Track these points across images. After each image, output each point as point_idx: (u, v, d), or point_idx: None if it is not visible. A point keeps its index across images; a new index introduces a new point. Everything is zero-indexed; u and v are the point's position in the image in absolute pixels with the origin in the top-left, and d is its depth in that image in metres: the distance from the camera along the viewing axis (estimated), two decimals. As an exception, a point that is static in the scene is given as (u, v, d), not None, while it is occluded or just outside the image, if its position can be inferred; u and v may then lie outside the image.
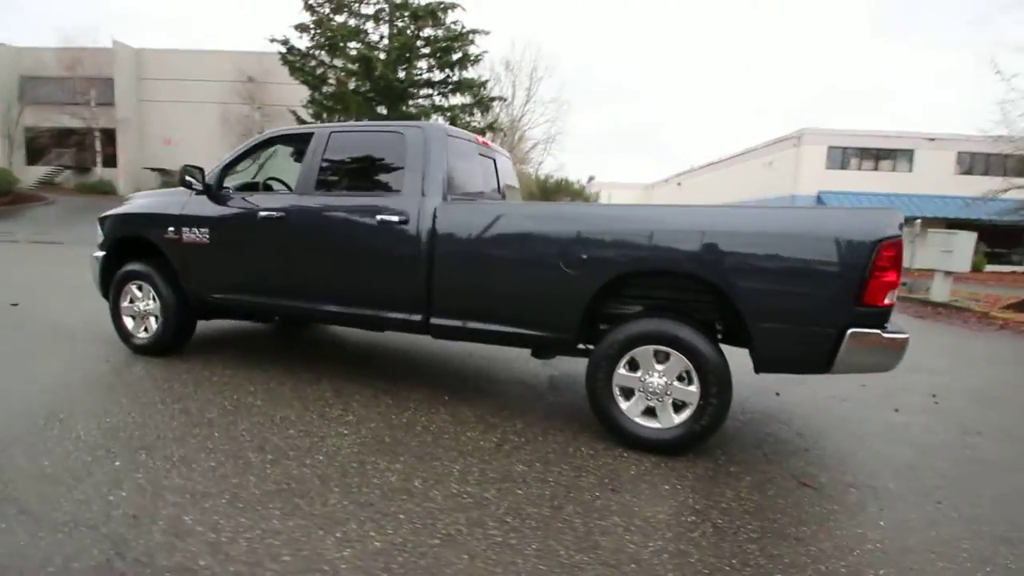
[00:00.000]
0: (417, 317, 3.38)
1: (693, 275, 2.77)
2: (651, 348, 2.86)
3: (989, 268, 24.61)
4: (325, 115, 18.46)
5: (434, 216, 3.25)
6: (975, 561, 2.13)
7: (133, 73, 29.91)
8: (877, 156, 26.70)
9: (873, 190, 25.54)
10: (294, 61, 18.84)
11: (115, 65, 28.63)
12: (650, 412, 2.92)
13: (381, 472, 2.56)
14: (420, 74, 20.32)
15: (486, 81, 21.58)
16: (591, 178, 54.72)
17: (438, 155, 3.38)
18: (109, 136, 29.00)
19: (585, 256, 2.91)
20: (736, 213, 2.80)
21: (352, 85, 17.83)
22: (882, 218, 2.54)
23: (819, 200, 26.09)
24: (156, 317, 4.13)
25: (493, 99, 20.90)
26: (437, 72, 20.37)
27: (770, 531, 2.26)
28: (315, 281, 3.60)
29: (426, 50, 19.88)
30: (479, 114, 20.78)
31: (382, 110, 19.62)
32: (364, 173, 3.67)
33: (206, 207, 3.89)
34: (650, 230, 2.82)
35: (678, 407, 2.87)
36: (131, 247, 4.30)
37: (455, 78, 20.38)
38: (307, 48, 18.75)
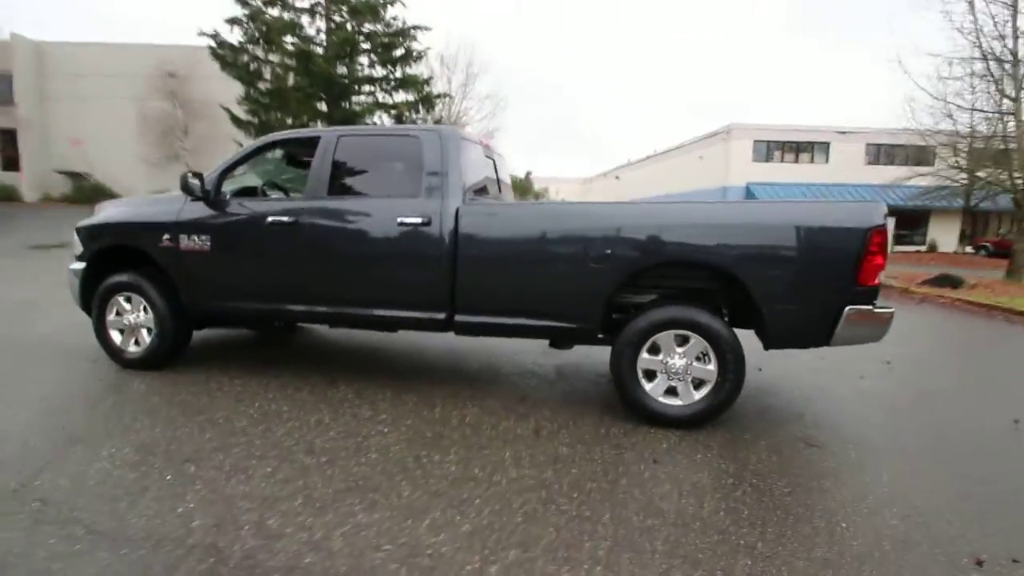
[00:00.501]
0: (440, 315, 3.47)
1: (711, 265, 3.04)
2: (672, 333, 3.12)
3: (897, 249, 27.23)
4: (262, 113, 17.69)
5: (457, 217, 3.35)
6: (959, 498, 2.54)
7: (34, 69, 27.22)
8: (797, 149, 28.87)
9: (795, 180, 27.60)
10: (225, 56, 17.90)
11: (13, 60, 25.95)
12: (671, 391, 3.18)
13: (439, 464, 2.66)
14: (361, 70, 19.87)
15: (430, 78, 21.39)
16: (528, 173, 55.36)
17: (455, 158, 3.48)
18: (9, 137, 26.30)
19: (609, 251, 3.12)
20: (747, 208, 3.11)
21: (291, 81, 17.19)
22: (871, 209, 2.92)
23: (748, 191, 27.88)
24: (149, 329, 3.96)
25: (438, 96, 20.76)
26: (379, 68, 20.00)
27: (798, 485, 2.57)
28: (332, 284, 3.59)
29: (367, 45, 19.47)
30: (424, 111, 20.61)
31: (323, 108, 19.05)
32: (378, 177, 3.70)
33: (205, 213, 3.77)
34: (671, 225, 3.07)
35: (697, 385, 3.15)
36: (114, 258, 4.09)
37: (398, 75, 20.09)
38: (239, 42, 17.87)
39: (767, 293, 2.98)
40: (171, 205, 3.87)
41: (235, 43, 17.83)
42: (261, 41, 17.40)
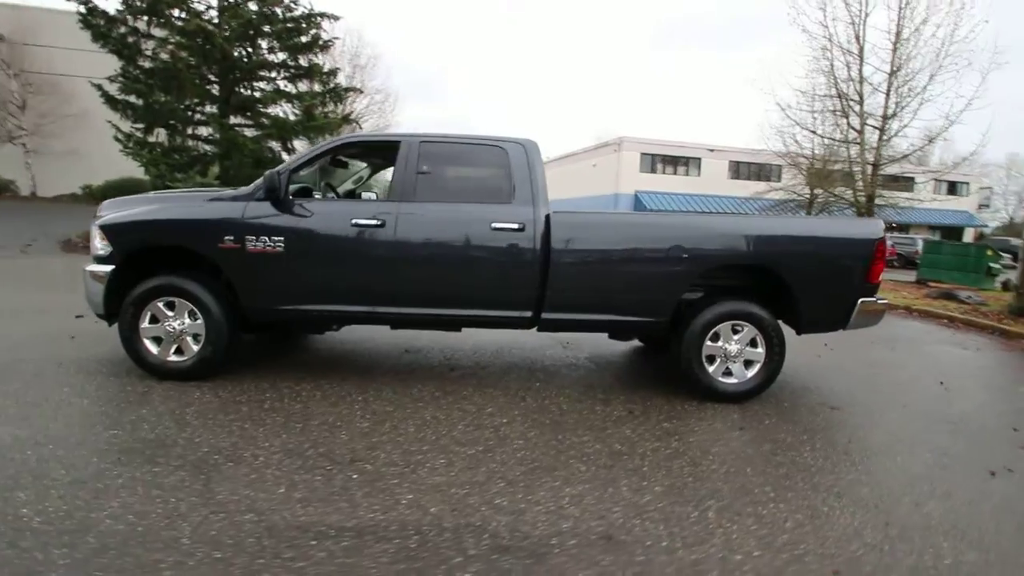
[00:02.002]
0: (528, 313, 3.78)
1: (762, 267, 3.74)
2: (730, 323, 3.77)
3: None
4: (147, 94, 15.69)
5: (548, 224, 3.68)
6: (950, 438, 3.52)
7: None
8: (675, 162, 32.39)
9: (675, 191, 30.94)
10: (99, 26, 15.56)
11: None
12: (727, 372, 3.84)
13: (582, 444, 3.01)
14: (263, 54, 18.48)
15: (337, 69, 20.55)
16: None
17: (540, 169, 3.80)
18: None
19: (686, 255, 3.68)
20: (790, 222, 3.87)
21: (185, 62, 15.45)
22: (875, 224, 3.84)
23: (637, 199, 30.68)
24: (195, 336, 3.70)
25: (348, 89, 19.99)
26: (281, 55, 18.75)
27: (849, 436, 3.35)
28: (422, 286, 3.71)
29: (267, 28, 18.15)
30: (333, 104, 19.75)
31: (217, 92, 17.41)
32: (465, 183, 3.87)
33: (275, 214, 3.64)
34: (735, 234, 3.72)
35: (748, 365, 3.84)
36: (146, 259, 3.75)
37: (304, 63, 19.01)
38: (118, 11, 15.65)
39: (804, 288, 3.74)
40: (233, 204, 3.67)
41: (113, 13, 15.57)
42: (145, 12, 15.41)
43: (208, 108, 17.27)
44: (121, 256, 3.66)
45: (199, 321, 3.68)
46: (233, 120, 17.15)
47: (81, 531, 2.00)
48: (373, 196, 4.66)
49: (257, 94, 18.33)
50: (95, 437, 2.79)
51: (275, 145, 18.25)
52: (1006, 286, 12.79)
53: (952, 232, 34.47)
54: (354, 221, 3.65)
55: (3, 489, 2.24)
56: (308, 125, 17.58)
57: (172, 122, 16.42)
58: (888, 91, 14.27)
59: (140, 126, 15.96)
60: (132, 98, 16.28)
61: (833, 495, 2.58)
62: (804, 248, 3.76)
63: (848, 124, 14.62)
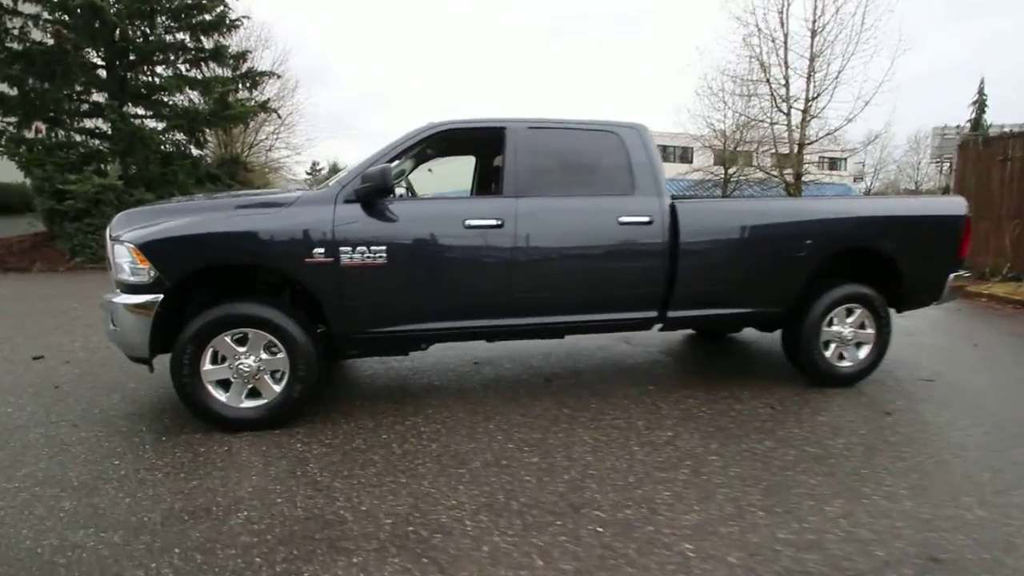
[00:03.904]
0: (652, 313, 3.48)
1: (874, 249, 3.73)
2: (844, 307, 3.73)
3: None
4: (24, 81, 13.14)
5: (674, 214, 3.39)
6: (1004, 409, 3.74)
7: None
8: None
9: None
10: (-55, -3, 12.71)
11: None
12: (840, 356, 3.81)
13: (776, 451, 2.80)
14: (161, 35, 16.22)
15: (248, 51, 18.61)
16: (315, 165, 51.87)
17: (656, 155, 3.49)
18: None
19: (810, 241, 3.56)
20: (896, 203, 3.89)
21: (71, 42, 13.06)
22: (961, 202, 3.96)
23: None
24: (276, 373, 3.01)
25: (263, 74, 18.12)
26: (181, 35, 16.56)
27: (936, 401, 3.45)
28: (543, 293, 3.27)
29: (165, 3, 15.92)
30: (245, 91, 17.83)
31: (104, 76, 15.07)
32: (583, 174, 3.44)
33: (372, 219, 3.02)
34: (852, 218, 3.66)
35: (859, 346, 3.83)
36: (195, 283, 2.98)
37: (209, 45, 16.93)
38: (-31, -20, 12.84)
39: (910, 267, 3.78)
40: (316, 209, 2.98)
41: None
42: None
43: (96, 96, 14.87)
44: (174, 281, 2.85)
45: (280, 355, 2.98)
46: (132, 111, 14.91)
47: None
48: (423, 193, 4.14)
49: (157, 80, 16.10)
50: (227, 528, 2.12)
51: (182, 137, 16.20)
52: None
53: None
54: (468, 222, 3.12)
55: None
56: (223, 114, 15.74)
57: (53, 114, 13.94)
58: (809, 75, 15.44)
59: (13, 119, 13.38)
60: (3, 87, 13.60)
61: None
62: (910, 227, 3.79)
63: (775, 106, 15.66)
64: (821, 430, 3.07)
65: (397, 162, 3.23)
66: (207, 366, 2.93)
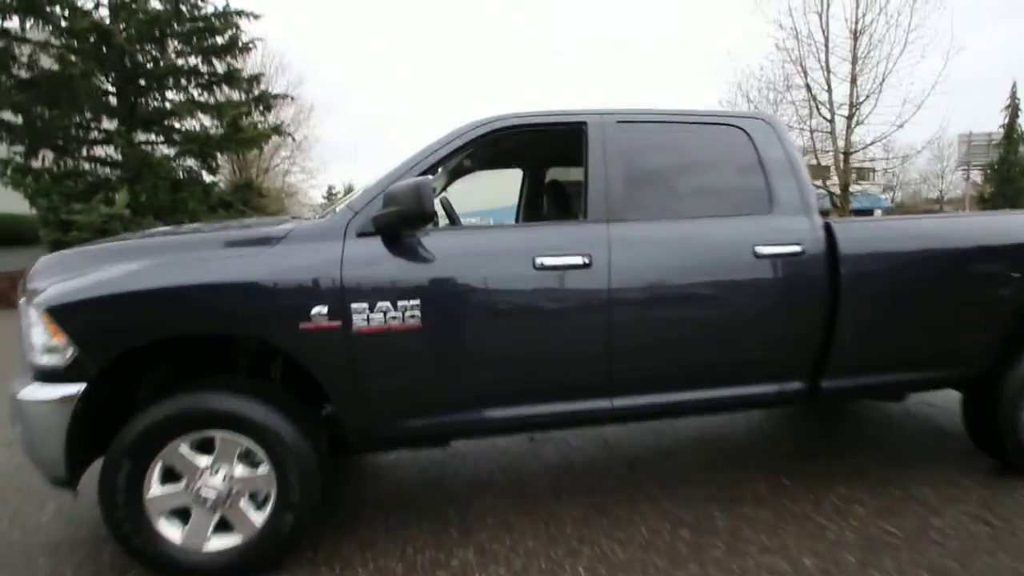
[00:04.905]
0: (797, 384, 2.41)
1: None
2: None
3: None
4: (29, 109, 12.67)
5: (831, 240, 2.33)
6: None
7: None
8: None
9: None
10: (-49, 26, 12.36)
11: None
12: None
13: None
14: (172, 59, 15.77)
15: (261, 74, 18.16)
16: (331, 189, 52.03)
17: (799, 157, 2.45)
18: None
19: (1017, 273, 2.47)
20: None
21: (79, 68, 12.59)
22: None
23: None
24: (257, 496, 2.00)
25: (276, 96, 17.59)
26: (193, 59, 16.08)
27: None
28: (653, 359, 2.24)
29: (176, 26, 15.48)
30: (258, 114, 17.28)
31: (115, 102, 14.61)
32: (696, 186, 2.42)
33: (401, 260, 2.02)
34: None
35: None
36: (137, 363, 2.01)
37: (221, 69, 16.43)
38: (-24, 8, 12.49)
39: None
40: (318, 247, 2.00)
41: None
42: (19, 9, 12.41)
43: (106, 123, 14.43)
44: (101, 364, 1.87)
45: (263, 470, 1.97)
46: (141, 137, 14.42)
47: None
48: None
49: (168, 105, 15.63)
50: None
51: (193, 163, 15.65)
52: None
53: (864, 214, 37.10)
54: (540, 260, 2.10)
55: None
56: (235, 138, 15.17)
57: (61, 142, 13.48)
58: (853, 79, 14.35)
59: (20, 148, 12.90)
60: (8, 115, 13.18)
61: None
62: None
63: (815, 112, 14.56)
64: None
65: (432, 177, 2.23)
66: (154, 489, 1.93)
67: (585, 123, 2.30)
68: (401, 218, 1.94)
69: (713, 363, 2.31)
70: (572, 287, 2.13)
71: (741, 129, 2.41)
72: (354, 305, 1.95)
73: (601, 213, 2.21)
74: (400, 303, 1.98)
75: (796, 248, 2.28)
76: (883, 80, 14.01)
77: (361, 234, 2.04)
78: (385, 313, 1.97)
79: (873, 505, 2.45)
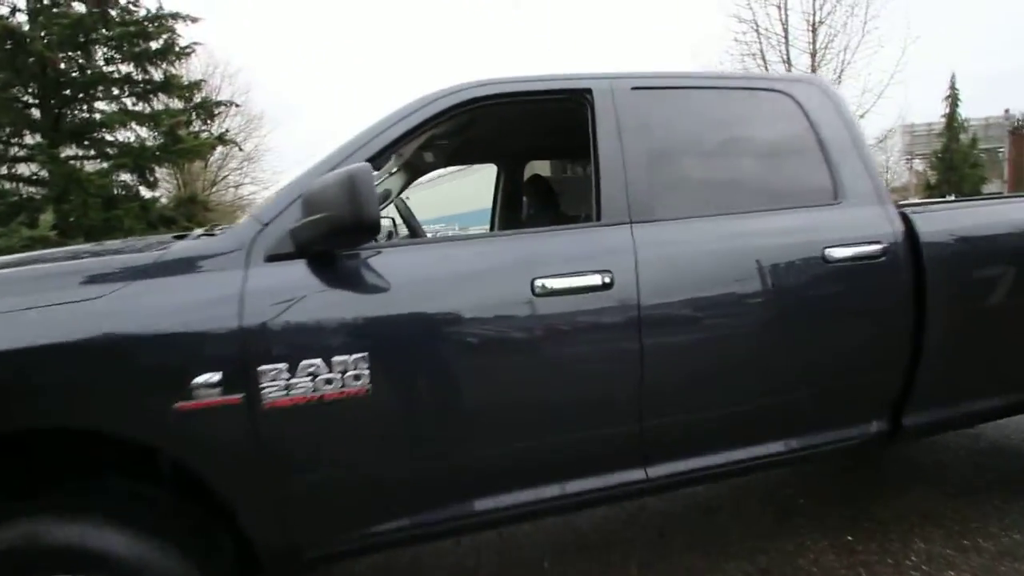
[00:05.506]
0: (876, 425, 1.84)
1: None
2: None
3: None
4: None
5: (914, 237, 1.77)
6: None
7: None
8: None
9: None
10: None
11: None
12: None
13: None
14: (99, 66, 14.54)
15: (202, 81, 17.06)
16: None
17: (860, 131, 1.89)
18: None
19: None
20: None
21: (-11, 77, 11.34)
22: None
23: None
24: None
25: (219, 104, 16.46)
26: (124, 66, 14.87)
27: None
28: (697, 410, 1.62)
29: (104, 31, 14.26)
30: (200, 123, 16.15)
31: (37, 114, 13.37)
32: (740, 169, 1.81)
33: (336, 290, 1.35)
34: None
35: None
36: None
37: (158, 76, 15.25)
38: None
39: None
40: (202, 283, 1.30)
41: None
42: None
43: (29, 138, 13.16)
44: None
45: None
46: (69, 151, 13.18)
47: None
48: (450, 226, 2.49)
49: (98, 116, 14.40)
50: None
51: (128, 178, 14.42)
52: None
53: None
54: (541, 283, 1.45)
55: None
56: (174, 149, 14.04)
57: (-27, 161, 12.19)
58: (813, 71, 14.33)
59: (-74, 171, 11.55)
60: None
61: None
62: None
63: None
64: None
65: (371, 165, 1.55)
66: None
67: (590, 90, 1.66)
68: (332, 229, 1.26)
69: (777, 407, 1.72)
70: (587, 317, 1.49)
71: (788, 96, 1.83)
72: (263, 368, 1.26)
73: (621, 212, 1.58)
74: (338, 359, 1.31)
75: (875, 247, 1.71)
76: (842, 71, 14.04)
77: (273, 257, 1.35)
78: (314, 376, 1.29)
79: (964, 564, 1.90)
